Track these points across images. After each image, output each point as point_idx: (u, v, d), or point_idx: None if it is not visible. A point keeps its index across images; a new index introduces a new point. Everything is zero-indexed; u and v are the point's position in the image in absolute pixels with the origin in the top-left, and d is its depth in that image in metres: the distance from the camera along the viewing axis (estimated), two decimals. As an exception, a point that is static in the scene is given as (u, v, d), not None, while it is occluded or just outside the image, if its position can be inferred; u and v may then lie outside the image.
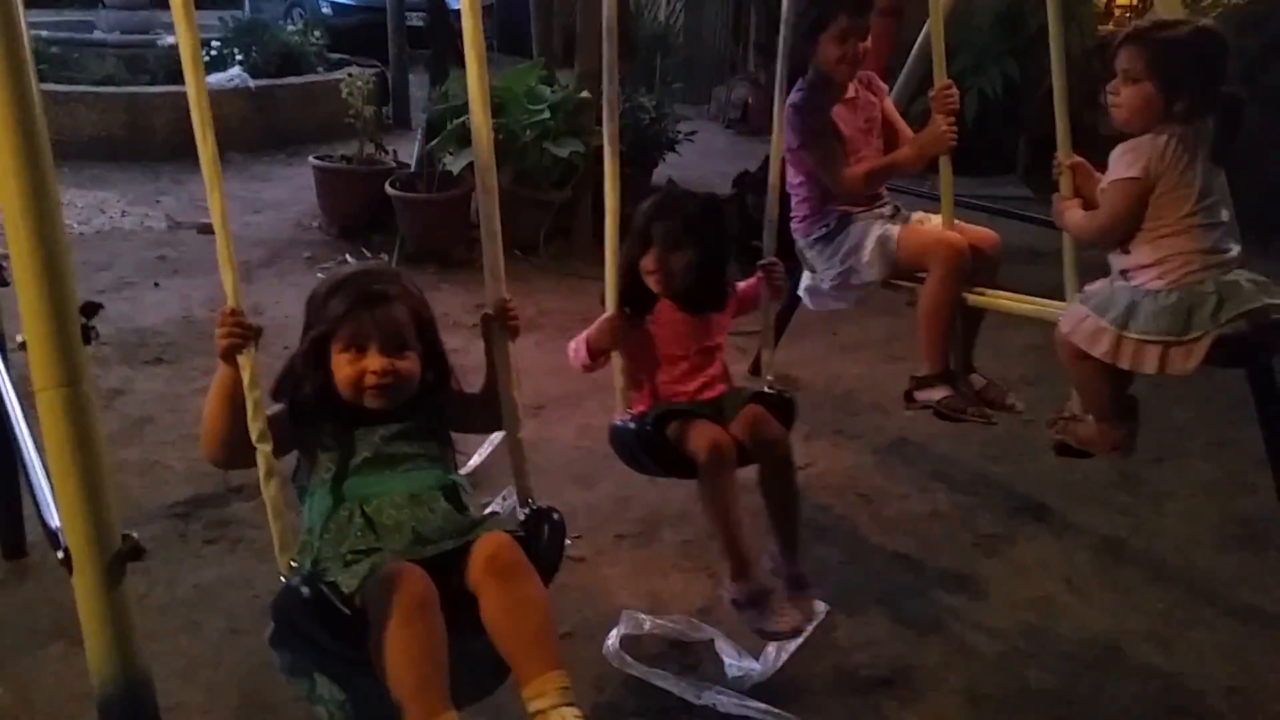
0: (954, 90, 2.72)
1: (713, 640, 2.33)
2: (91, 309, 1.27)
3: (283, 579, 1.52)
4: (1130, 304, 2.18)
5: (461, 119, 5.08)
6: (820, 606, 2.43)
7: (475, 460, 3.03)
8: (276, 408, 1.67)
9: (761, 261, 2.38)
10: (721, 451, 2.10)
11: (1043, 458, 3.33)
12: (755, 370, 3.92)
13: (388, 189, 5.13)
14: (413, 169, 5.42)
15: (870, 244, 2.72)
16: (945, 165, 2.74)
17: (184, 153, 6.73)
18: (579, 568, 2.61)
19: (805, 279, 2.96)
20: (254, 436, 1.53)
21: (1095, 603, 2.59)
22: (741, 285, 2.41)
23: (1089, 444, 2.43)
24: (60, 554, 1.38)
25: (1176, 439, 3.49)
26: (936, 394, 2.68)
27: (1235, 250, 2.19)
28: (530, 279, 4.84)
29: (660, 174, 5.85)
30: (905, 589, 2.61)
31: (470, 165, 5.06)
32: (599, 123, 5.39)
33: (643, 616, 2.38)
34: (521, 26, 6.59)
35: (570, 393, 3.61)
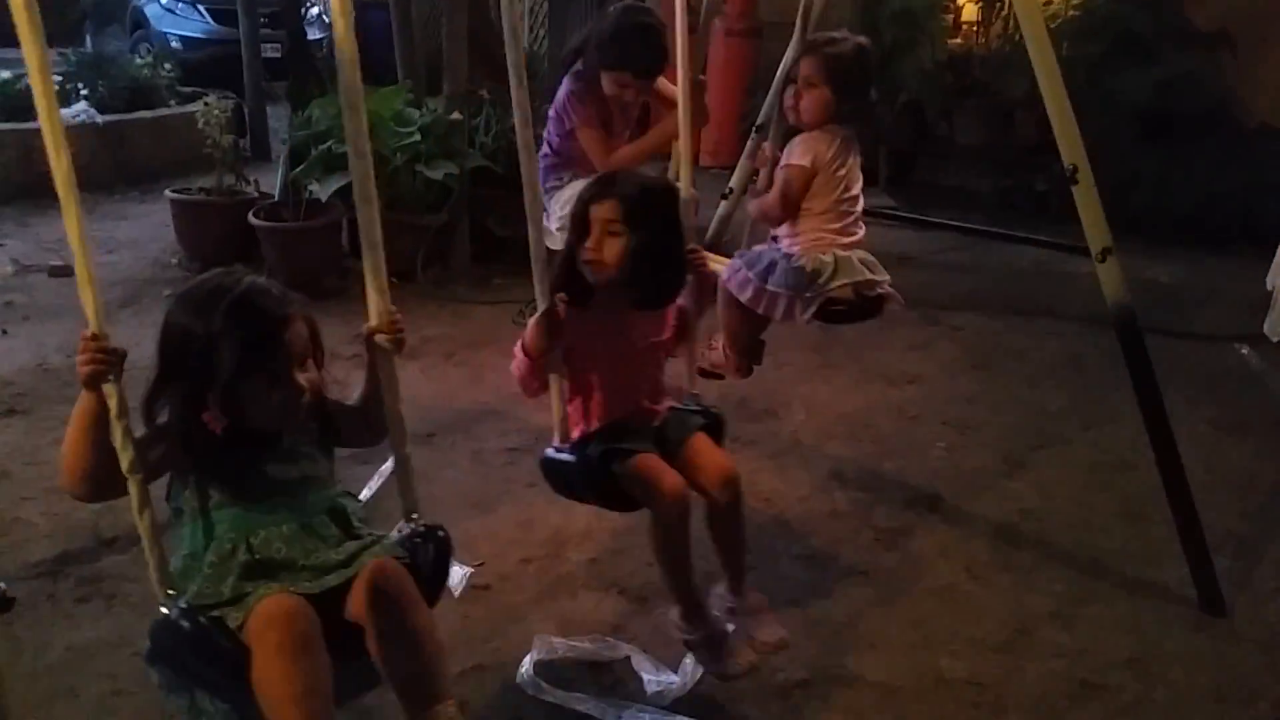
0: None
1: (629, 657, 2.28)
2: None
3: (162, 609, 1.47)
4: (771, 263, 2.65)
5: (326, 145, 4.92)
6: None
7: (365, 493, 2.91)
8: (141, 430, 1.57)
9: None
10: (683, 505, 2.02)
11: (930, 453, 3.43)
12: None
13: (251, 219, 4.93)
14: (277, 198, 5.22)
15: None
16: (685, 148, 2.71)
17: (29, 193, 6.38)
18: (485, 596, 2.53)
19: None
20: (124, 467, 1.45)
21: (996, 588, 2.65)
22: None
23: (719, 368, 2.95)
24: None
25: (1055, 426, 3.63)
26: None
27: (860, 234, 2.69)
28: (409, 306, 4.67)
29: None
30: (813, 588, 2.62)
31: (339, 191, 4.93)
32: (472, 145, 5.35)
33: (555, 640, 2.31)
34: (378, 57, 6.41)
35: (460, 418, 3.51)
